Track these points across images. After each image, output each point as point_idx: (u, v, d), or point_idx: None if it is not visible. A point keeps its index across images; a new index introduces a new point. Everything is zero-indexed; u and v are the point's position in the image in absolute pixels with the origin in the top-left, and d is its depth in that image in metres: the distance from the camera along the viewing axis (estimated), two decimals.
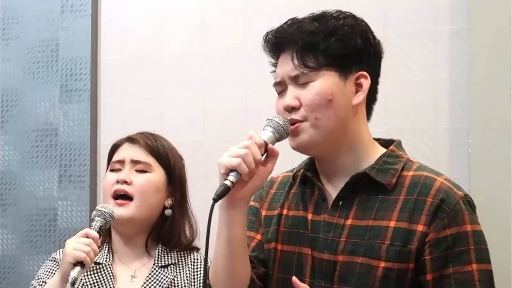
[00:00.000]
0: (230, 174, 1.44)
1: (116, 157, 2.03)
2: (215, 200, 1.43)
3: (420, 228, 1.46)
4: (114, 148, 2.06)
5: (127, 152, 2.02)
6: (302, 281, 1.50)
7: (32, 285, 1.97)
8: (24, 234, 2.97)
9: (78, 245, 1.74)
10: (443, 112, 2.45)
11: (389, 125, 2.46)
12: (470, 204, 1.51)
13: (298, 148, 1.55)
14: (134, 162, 2.00)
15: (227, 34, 2.76)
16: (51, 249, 2.91)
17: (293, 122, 1.52)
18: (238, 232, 1.50)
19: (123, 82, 2.91)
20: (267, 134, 1.49)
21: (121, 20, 2.93)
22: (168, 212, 2.01)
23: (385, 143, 1.62)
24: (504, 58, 2.28)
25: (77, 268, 1.71)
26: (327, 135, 1.51)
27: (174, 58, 2.83)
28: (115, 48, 2.92)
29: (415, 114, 2.47)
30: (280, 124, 1.50)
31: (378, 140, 1.62)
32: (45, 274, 1.98)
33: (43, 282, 1.94)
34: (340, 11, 1.57)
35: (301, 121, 1.52)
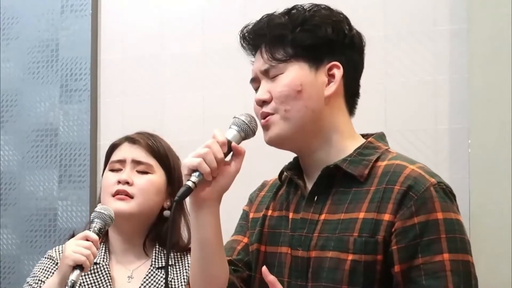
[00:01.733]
0: (192, 174, 1.43)
1: (116, 156, 2.02)
2: (176, 201, 1.42)
3: (386, 217, 1.40)
4: (113, 147, 2.05)
5: (128, 152, 2.01)
6: (282, 281, 1.47)
7: (28, 282, 1.97)
8: (24, 234, 2.97)
9: (78, 248, 1.73)
10: (443, 112, 2.44)
11: (389, 125, 2.45)
12: (444, 191, 1.42)
13: (270, 142, 1.52)
14: (136, 162, 1.99)
15: (227, 34, 2.75)
16: (51, 249, 2.91)
17: (264, 115, 1.50)
18: (209, 233, 1.47)
19: (123, 82, 2.91)
20: (231, 133, 1.48)
21: (121, 20, 2.93)
22: (166, 213, 2.00)
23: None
24: (504, 58, 2.28)
25: (76, 271, 1.70)
26: (298, 127, 1.48)
27: (174, 58, 2.83)
28: (115, 48, 2.92)
29: (415, 114, 2.47)
30: (245, 122, 1.49)
31: (366, 135, 1.57)
32: (41, 272, 1.98)
33: (39, 280, 1.94)
34: (315, 4, 1.55)
35: (272, 114, 1.49)
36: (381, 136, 1.57)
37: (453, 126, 2.43)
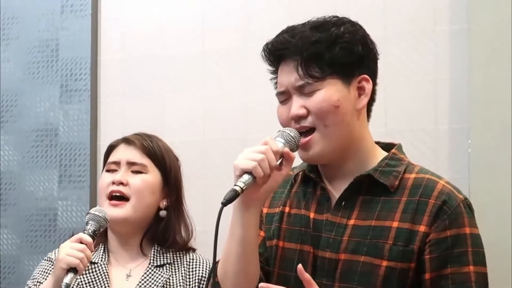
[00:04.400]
0: (243, 176, 1.47)
1: (112, 158, 2.04)
2: (224, 204, 1.45)
3: (422, 228, 1.50)
4: (110, 148, 2.07)
5: (123, 153, 2.02)
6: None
7: (27, 285, 1.98)
8: (24, 234, 2.97)
9: (72, 251, 1.74)
10: (443, 112, 2.45)
11: (389, 125, 2.46)
12: (469, 207, 1.56)
13: (311, 160, 1.59)
14: (130, 163, 2.01)
15: (227, 34, 2.76)
16: (51, 249, 2.88)
17: (302, 130, 1.55)
18: (252, 232, 1.53)
19: (123, 82, 2.91)
20: (279, 145, 1.52)
21: (121, 20, 2.93)
22: (162, 213, 2.02)
23: (385, 146, 1.66)
24: (504, 58, 2.28)
25: (70, 275, 1.71)
26: (337, 143, 1.55)
27: (174, 58, 2.83)
28: (115, 48, 2.92)
29: (415, 114, 2.47)
30: (292, 137, 1.53)
31: (378, 143, 1.65)
32: (40, 274, 1.99)
33: (38, 282, 1.95)
34: (337, 17, 1.60)
35: (311, 129, 1.54)
36: (401, 148, 1.66)
37: (453, 126, 2.43)
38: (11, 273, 2.98)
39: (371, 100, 1.63)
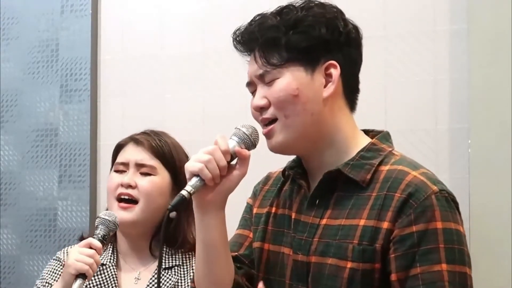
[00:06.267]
0: (192, 179, 1.42)
1: (120, 158, 2.01)
2: (169, 210, 1.41)
3: (385, 225, 1.37)
4: (119, 148, 2.04)
5: (132, 154, 2.00)
6: (283, 283, 1.47)
7: (36, 285, 1.97)
8: (24, 234, 2.97)
9: (81, 256, 1.71)
10: (443, 112, 2.44)
11: (389, 125, 2.45)
12: (447, 200, 1.38)
13: (274, 150, 1.49)
14: (139, 165, 1.98)
15: (227, 34, 2.74)
16: (51, 249, 2.91)
17: (265, 121, 1.48)
18: (215, 235, 1.46)
19: (123, 82, 2.91)
20: (231, 144, 1.46)
21: (121, 20, 2.93)
22: (173, 214, 1.99)
23: (376, 135, 1.53)
24: (504, 58, 2.27)
25: (79, 280, 1.69)
26: (300, 132, 1.45)
27: (174, 58, 2.83)
28: (115, 48, 2.92)
29: (415, 114, 2.47)
30: (247, 135, 1.47)
31: (371, 131, 1.54)
32: (49, 274, 1.97)
33: (47, 283, 1.94)
34: (309, 1, 1.49)
35: (272, 119, 1.47)
36: (385, 136, 1.52)
37: (453, 126, 2.43)
38: (11, 273, 2.98)
39: (352, 89, 1.50)
